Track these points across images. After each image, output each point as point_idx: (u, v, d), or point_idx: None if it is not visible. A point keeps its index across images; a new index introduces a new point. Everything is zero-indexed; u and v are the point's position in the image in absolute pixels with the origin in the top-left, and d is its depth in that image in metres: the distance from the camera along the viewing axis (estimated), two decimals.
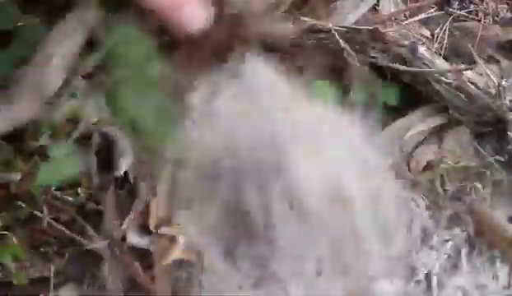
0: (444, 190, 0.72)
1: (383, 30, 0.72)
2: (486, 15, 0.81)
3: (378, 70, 0.71)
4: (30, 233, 0.66)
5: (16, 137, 0.63)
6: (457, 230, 0.69)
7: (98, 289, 0.65)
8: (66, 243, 0.66)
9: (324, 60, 0.70)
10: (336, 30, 0.70)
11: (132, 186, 0.66)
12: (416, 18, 0.78)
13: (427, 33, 0.77)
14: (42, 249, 0.67)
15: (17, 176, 0.64)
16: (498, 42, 0.78)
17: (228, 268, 0.60)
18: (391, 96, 0.72)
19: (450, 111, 0.73)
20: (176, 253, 0.61)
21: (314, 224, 0.58)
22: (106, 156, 0.66)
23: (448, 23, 0.77)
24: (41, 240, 0.66)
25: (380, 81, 0.71)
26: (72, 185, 0.66)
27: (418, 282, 0.67)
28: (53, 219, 0.66)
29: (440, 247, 0.68)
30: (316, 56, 0.70)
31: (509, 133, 0.71)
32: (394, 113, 0.73)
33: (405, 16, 0.78)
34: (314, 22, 0.70)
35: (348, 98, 0.68)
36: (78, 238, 0.65)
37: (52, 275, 0.65)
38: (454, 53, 0.75)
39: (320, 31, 0.70)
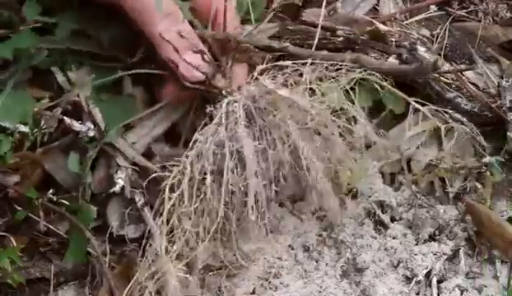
0: (445, 190, 0.72)
1: (383, 30, 0.73)
2: (486, 15, 0.81)
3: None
4: (29, 235, 0.66)
5: None
6: (457, 230, 0.69)
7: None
8: (65, 244, 0.66)
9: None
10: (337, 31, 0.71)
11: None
12: (416, 18, 0.78)
13: (427, 33, 0.77)
14: (42, 249, 0.67)
15: (15, 179, 0.64)
16: (498, 42, 0.78)
17: None
18: (398, 104, 0.72)
19: (450, 111, 0.73)
20: None
21: None
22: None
23: (448, 23, 0.77)
24: (41, 241, 0.66)
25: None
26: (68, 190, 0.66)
27: (418, 282, 0.67)
28: (50, 222, 0.66)
29: (440, 247, 0.68)
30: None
31: (509, 133, 0.71)
32: (395, 114, 0.73)
33: (405, 16, 0.78)
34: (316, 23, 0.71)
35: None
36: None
37: (52, 275, 0.65)
38: (454, 53, 0.75)
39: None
